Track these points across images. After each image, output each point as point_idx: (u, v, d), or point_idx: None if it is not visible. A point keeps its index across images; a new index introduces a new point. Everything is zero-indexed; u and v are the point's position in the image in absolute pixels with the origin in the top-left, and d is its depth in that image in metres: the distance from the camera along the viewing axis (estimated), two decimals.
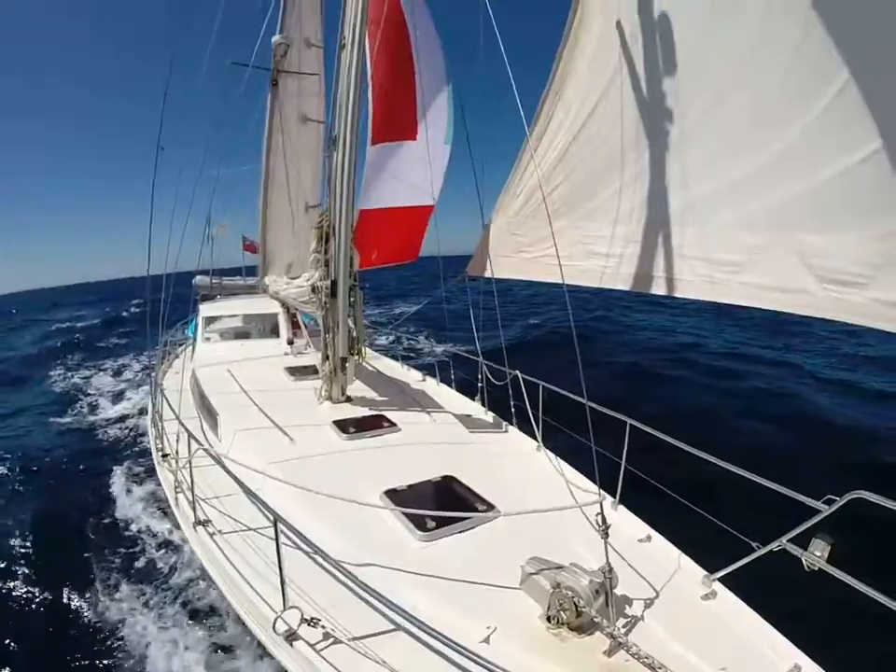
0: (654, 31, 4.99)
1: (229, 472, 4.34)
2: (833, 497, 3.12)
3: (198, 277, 14.32)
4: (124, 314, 41.13)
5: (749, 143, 4.35)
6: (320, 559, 3.60)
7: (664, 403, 12.58)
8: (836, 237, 3.85)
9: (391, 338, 11.19)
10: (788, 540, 3.30)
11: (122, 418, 14.45)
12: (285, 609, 3.40)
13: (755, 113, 4.29)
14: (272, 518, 3.52)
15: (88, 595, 6.88)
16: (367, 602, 3.45)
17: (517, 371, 6.66)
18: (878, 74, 3.53)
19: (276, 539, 3.46)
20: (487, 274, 7.29)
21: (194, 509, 4.87)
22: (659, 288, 5.28)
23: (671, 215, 5.07)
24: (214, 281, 14.64)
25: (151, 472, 8.74)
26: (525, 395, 6.29)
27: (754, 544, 3.57)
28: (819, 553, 3.06)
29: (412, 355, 10.65)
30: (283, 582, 3.45)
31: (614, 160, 5.53)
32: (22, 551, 7.92)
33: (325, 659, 3.14)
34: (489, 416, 7.35)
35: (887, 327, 3.61)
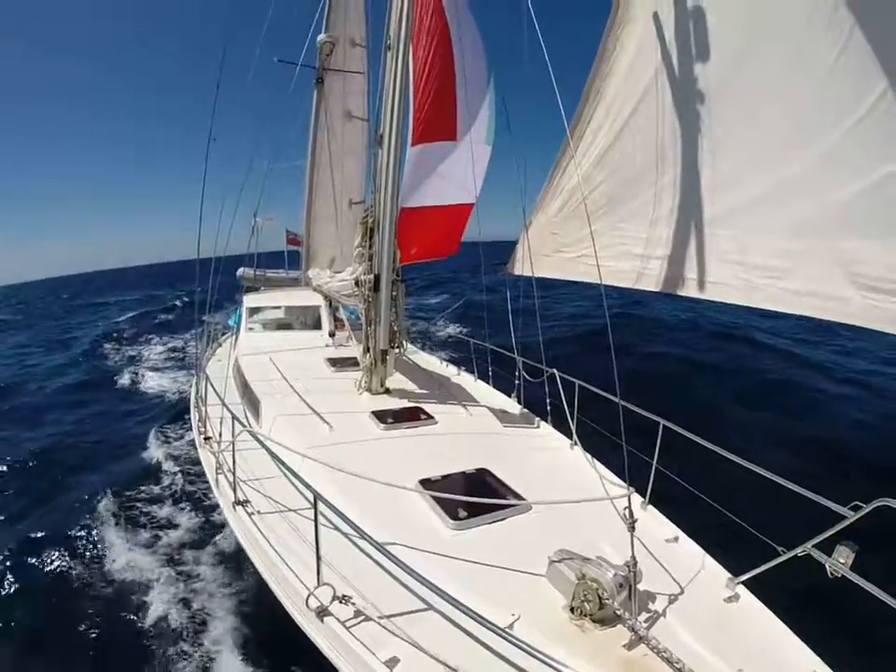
0: (695, 32, 5.00)
1: (270, 452, 4.52)
2: (860, 503, 3.12)
3: (241, 269, 14.59)
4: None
5: (792, 147, 4.35)
6: (356, 536, 3.75)
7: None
8: (877, 245, 3.85)
9: (430, 330, 11.26)
10: (813, 546, 3.34)
11: None
12: (319, 586, 3.53)
13: (798, 117, 4.29)
14: (311, 496, 3.64)
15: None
16: (399, 581, 3.58)
17: (554, 370, 6.75)
18: None
19: (315, 517, 3.58)
20: (527, 273, 7.38)
21: (235, 489, 5.02)
22: (697, 291, 5.28)
23: (711, 218, 5.07)
24: (257, 273, 14.89)
25: None
26: (561, 393, 6.36)
27: (779, 549, 3.59)
28: (843, 561, 3.09)
29: (450, 349, 10.75)
30: (318, 559, 3.57)
31: (654, 162, 5.56)
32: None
33: (354, 636, 3.24)
34: (524, 413, 7.43)
35: None
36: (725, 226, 4.96)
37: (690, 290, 5.35)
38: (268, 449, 4.59)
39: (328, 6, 11.68)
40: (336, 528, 3.97)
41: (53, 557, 7.53)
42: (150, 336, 27.27)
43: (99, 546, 7.77)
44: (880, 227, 3.83)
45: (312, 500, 3.64)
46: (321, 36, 11.67)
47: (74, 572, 7.26)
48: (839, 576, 3.13)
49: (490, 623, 2.83)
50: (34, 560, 7.52)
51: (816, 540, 3.33)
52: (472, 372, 9.12)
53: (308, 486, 3.77)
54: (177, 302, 40.30)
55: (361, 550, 3.90)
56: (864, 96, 3.81)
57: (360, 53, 12.70)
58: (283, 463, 4.31)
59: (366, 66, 12.73)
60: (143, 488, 9.40)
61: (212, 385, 6.85)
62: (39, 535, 8.12)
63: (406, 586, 3.54)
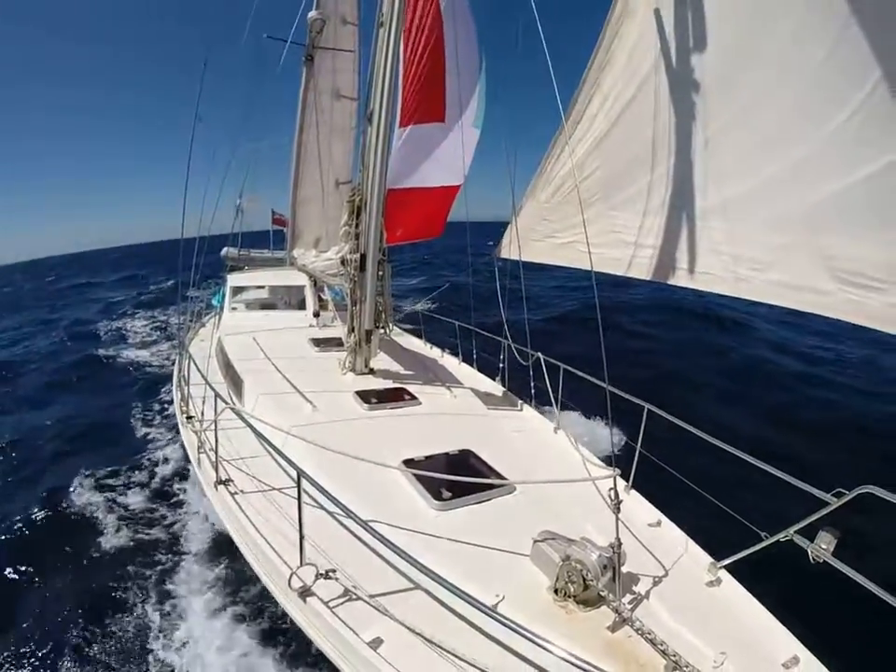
0: (694, 27, 5.04)
1: (253, 429, 4.46)
2: (843, 490, 3.15)
3: (226, 248, 14.48)
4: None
5: (782, 143, 4.41)
6: (340, 515, 3.73)
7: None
8: (858, 241, 3.93)
9: (415, 311, 11.25)
10: (795, 532, 3.35)
11: None
12: (301, 565, 3.51)
13: (789, 114, 4.35)
14: (295, 474, 3.61)
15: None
16: (384, 560, 3.56)
17: (539, 354, 6.74)
18: None
19: (298, 496, 3.54)
20: (515, 257, 7.38)
21: (217, 469, 4.99)
22: (686, 281, 5.34)
23: (702, 210, 5.13)
24: (242, 252, 14.79)
25: None
26: (546, 376, 6.36)
27: (762, 534, 3.61)
28: (825, 546, 3.11)
29: (434, 331, 10.73)
30: (301, 538, 3.55)
31: (648, 152, 5.59)
32: None
33: (337, 616, 3.23)
34: (508, 395, 7.44)
35: None
36: (716, 218, 5.03)
37: (679, 280, 5.41)
38: (251, 426, 4.54)
39: None
40: (320, 507, 3.92)
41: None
42: (136, 312, 28.27)
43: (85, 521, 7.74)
44: (860, 224, 3.92)
45: (296, 478, 3.60)
46: (312, 13, 11.52)
47: (57, 547, 7.26)
48: (821, 561, 3.14)
49: (477, 601, 2.81)
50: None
51: (798, 526, 3.34)
52: (457, 355, 9.12)
53: (292, 463, 3.75)
54: (161, 283, 40.36)
55: (345, 529, 3.87)
56: (848, 99, 3.88)
57: (352, 31, 12.53)
58: (266, 440, 4.27)
59: (357, 45, 12.60)
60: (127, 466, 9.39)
61: (195, 364, 6.79)
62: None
63: (391, 565, 3.52)
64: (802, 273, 4.30)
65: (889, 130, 3.68)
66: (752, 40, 4.58)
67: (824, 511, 3.23)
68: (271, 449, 4.16)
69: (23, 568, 7.02)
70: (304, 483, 3.57)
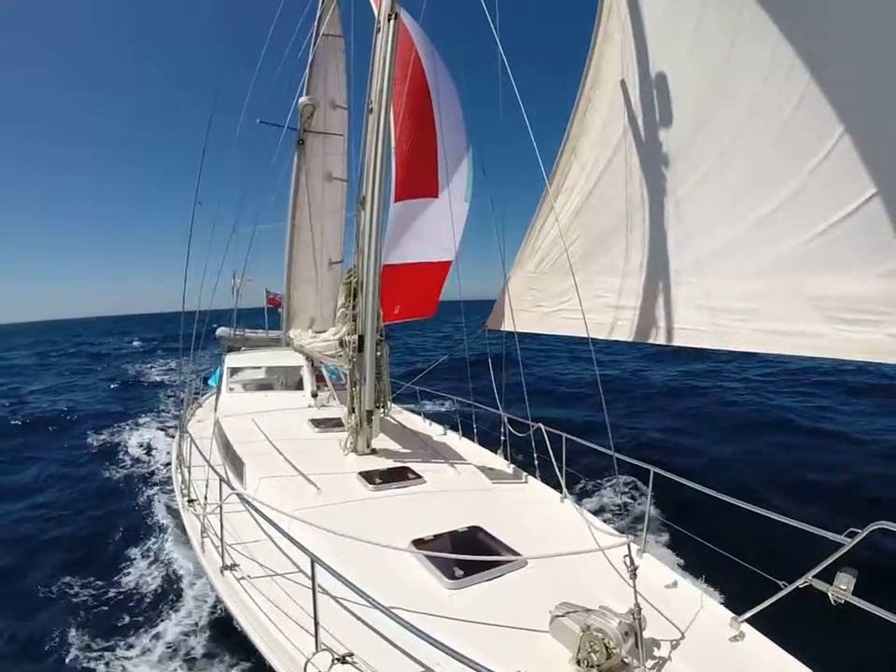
0: (658, 97, 5.32)
1: (263, 515, 4.46)
2: (856, 529, 3.17)
3: (220, 329, 14.54)
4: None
5: (752, 196, 4.59)
6: (351, 601, 3.66)
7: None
8: (846, 278, 4.04)
9: (412, 391, 11.28)
10: (813, 576, 3.35)
11: None
12: (317, 651, 3.45)
13: (757, 168, 4.55)
14: (305, 558, 3.58)
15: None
16: (397, 646, 3.45)
17: (540, 424, 6.74)
18: (874, 123, 3.82)
19: (313, 583, 3.52)
20: (506, 328, 7.46)
21: (222, 554, 4.94)
22: (671, 339, 5.45)
23: (680, 268, 5.29)
24: (237, 333, 14.85)
25: None
26: (549, 447, 6.34)
27: (780, 583, 3.60)
28: (844, 587, 3.11)
29: (433, 408, 10.76)
30: (317, 624, 3.50)
31: (625, 216, 5.80)
32: None
33: None
34: (512, 469, 7.41)
35: None
36: (694, 274, 5.18)
37: (664, 338, 5.52)
38: (260, 512, 4.54)
39: (309, 69, 11.90)
40: (329, 592, 3.84)
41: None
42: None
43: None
44: (846, 261, 4.03)
45: (306, 563, 3.58)
46: (302, 99, 11.88)
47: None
48: (842, 602, 3.14)
49: None
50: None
51: (816, 570, 3.35)
52: (457, 430, 9.10)
53: (305, 550, 3.72)
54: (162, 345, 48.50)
55: (358, 614, 3.76)
56: (817, 148, 4.08)
57: (341, 115, 12.97)
58: (276, 526, 4.25)
59: (346, 128, 13.00)
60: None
61: (196, 447, 6.74)
62: None
63: (406, 652, 3.44)
64: (790, 317, 4.39)
65: (863, 167, 3.84)
66: (716, 103, 4.82)
67: (839, 553, 3.23)
68: (280, 535, 4.11)
69: None
70: (317, 568, 3.54)
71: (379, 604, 3.29)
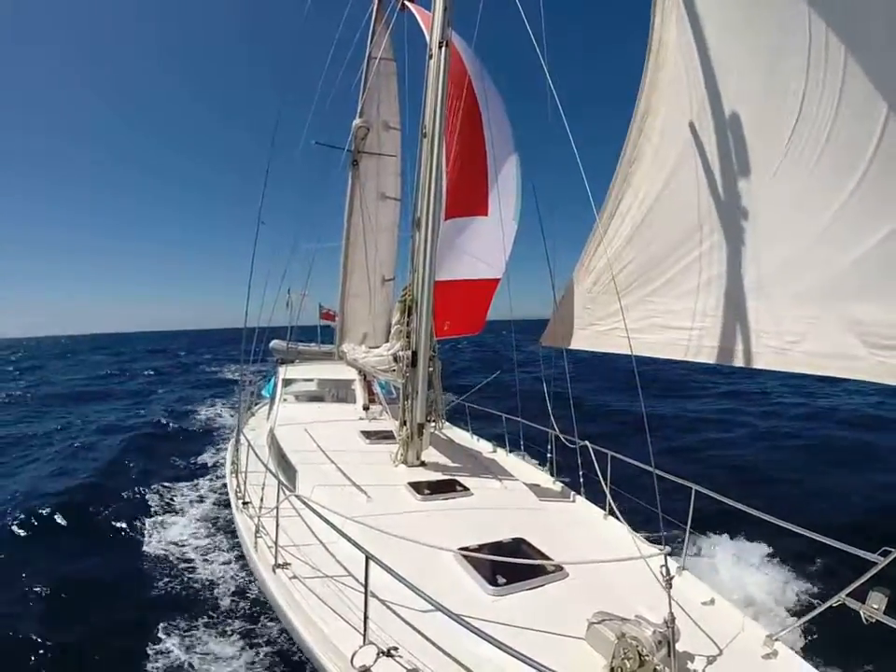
0: (715, 121, 5.38)
1: (319, 515, 4.67)
2: (889, 548, 3.23)
3: (274, 341, 14.90)
4: None
5: (801, 218, 4.68)
6: (396, 602, 3.83)
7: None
8: (878, 305, 4.12)
9: (461, 407, 11.45)
10: (847, 595, 3.40)
11: None
12: (364, 644, 3.60)
13: (806, 190, 4.62)
14: (357, 559, 3.77)
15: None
16: (439, 647, 3.56)
17: (586, 442, 6.83)
18: None
19: (366, 577, 3.69)
20: (561, 345, 7.60)
21: (276, 554, 5.13)
22: (724, 359, 5.50)
23: (735, 290, 5.35)
24: (291, 346, 15.17)
25: None
26: (595, 464, 6.43)
27: (814, 601, 3.67)
28: (876, 606, 3.17)
29: (481, 425, 10.90)
30: (366, 618, 3.65)
31: (680, 240, 5.87)
32: None
33: None
34: (558, 485, 7.53)
35: None
36: (749, 296, 5.24)
37: (719, 359, 5.57)
38: (316, 512, 4.75)
39: (363, 92, 12.22)
40: (377, 596, 3.94)
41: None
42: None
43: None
44: (881, 288, 4.10)
45: (360, 563, 3.76)
46: (356, 121, 12.20)
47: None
48: (874, 621, 3.19)
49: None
50: None
51: (849, 589, 3.40)
52: (504, 446, 9.22)
53: (359, 547, 3.90)
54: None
55: (404, 614, 3.90)
56: (857, 168, 4.15)
57: (394, 136, 13.24)
58: (332, 525, 4.45)
59: (399, 149, 13.28)
60: None
61: (255, 453, 6.96)
62: None
63: (447, 653, 3.55)
64: (833, 341, 4.45)
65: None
66: (770, 122, 4.89)
67: (872, 572, 3.30)
68: (331, 538, 4.28)
69: None
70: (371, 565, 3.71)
71: (429, 597, 3.43)
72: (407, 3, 10.42)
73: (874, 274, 4.12)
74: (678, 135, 5.78)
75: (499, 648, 3.03)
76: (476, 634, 3.14)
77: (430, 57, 7.46)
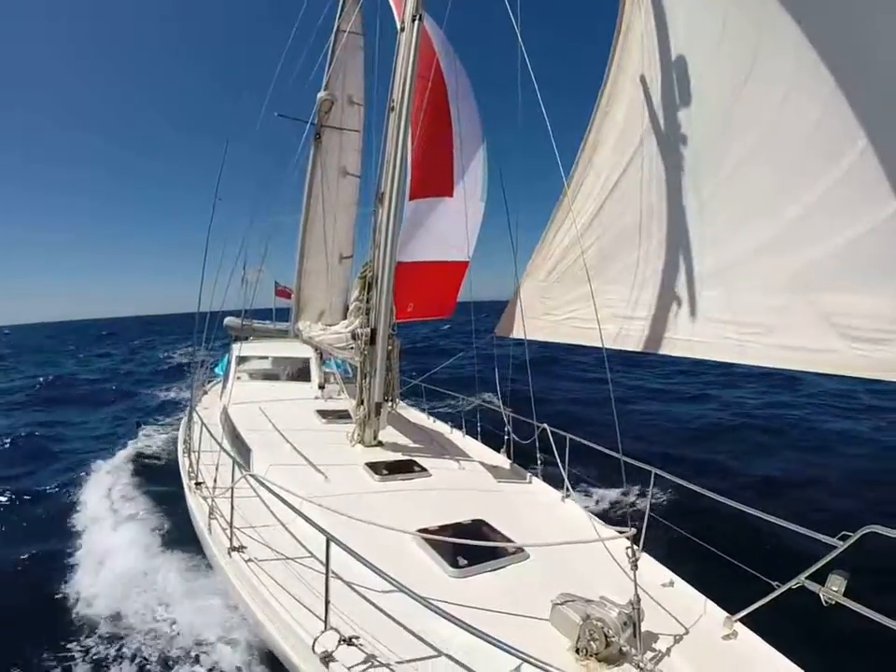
0: (680, 104, 5.37)
1: (277, 496, 4.55)
2: (848, 532, 3.29)
3: (228, 318, 14.64)
4: None
5: (772, 207, 4.64)
6: (358, 584, 3.76)
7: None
8: (860, 296, 4.10)
9: (418, 388, 11.38)
10: (806, 578, 3.44)
11: None
12: (325, 630, 3.51)
13: (777, 178, 4.60)
14: (317, 540, 3.68)
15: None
16: (404, 626, 3.52)
17: (545, 424, 6.83)
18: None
19: (327, 560, 3.59)
20: (515, 335, 7.59)
21: (231, 536, 5.01)
22: (682, 350, 5.52)
23: (695, 279, 5.34)
24: (244, 323, 14.92)
25: None
26: (553, 446, 6.44)
27: (774, 583, 3.70)
28: (835, 588, 3.20)
29: (438, 405, 10.87)
30: (327, 603, 3.55)
31: (639, 226, 5.88)
32: None
33: None
34: (515, 467, 7.51)
35: None
36: (710, 285, 5.24)
37: (674, 349, 5.59)
38: (275, 493, 4.62)
39: (329, 65, 11.97)
40: (339, 576, 3.89)
41: None
42: None
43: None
44: (863, 279, 4.09)
45: (318, 545, 3.70)
46: (321, 94, 11.94)
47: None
48: (833, 603, 3.23)
49: (521, 652, 2.85)
50: None
51: (808, 572, 3.43)
52: (461, 427, 9.18)
53: (320, 529, 3.80)
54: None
55: (365, 595, 3.82)
56: (840, 157, 4.11)
57: (357, 111, 12.99)
58: (291, 506, 4.34)
59: (362, 124, 13.04)
60: None
61: (209, 432, 6.83)
62: None
63: (412, 632, 3.49)
64: (805, 333, 4.45)
65: (878, 188, 3.90)
66: (740, 106, 4.85)
67: (832, 555, 3.34)
68: (289, 519, 4.17)
69: None
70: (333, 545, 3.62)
71: (392, 579, 3.36)
72: None
73: (860, 263, 4.10)
74: (641, 119, 5.77)
75: (464, 629, 2.97)
76: (441, 615, 3.09)
77: (402, 30, 7.33)
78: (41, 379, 30.13)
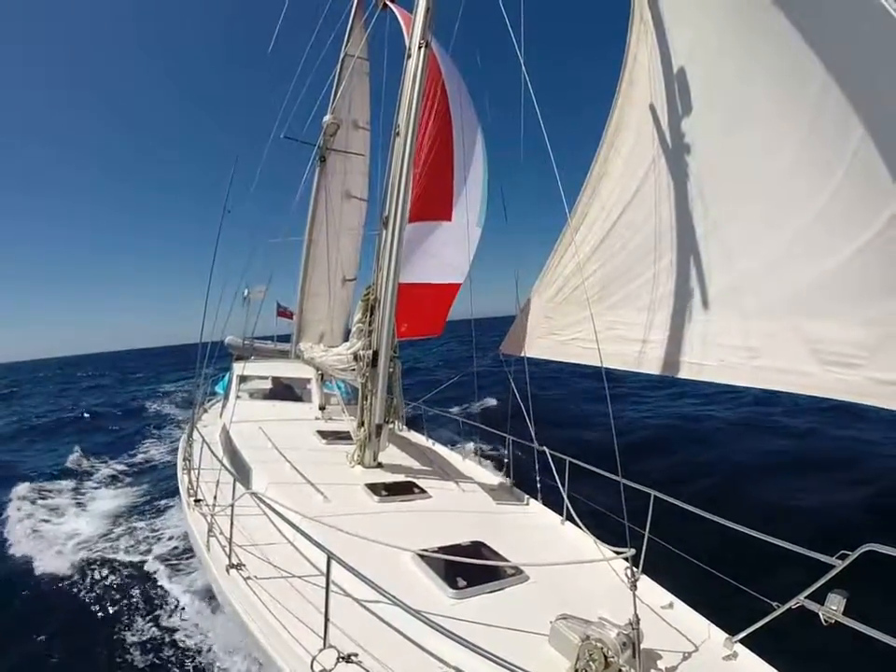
0: (681, 147, 5.51)
1: (278, 513, 4.54)
2: (847, 551, 3.30)
3: (230, 337, 14.66)
4: None
5: (759, 242, 4.83)
6: (355, 601, 3.73)
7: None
8: (834, 323, 4.28)
9: (419, 410, 11.39)
10: (805, 597, 3.46)
11: None
12: (324, 648, 3.48)
13: (766, 212, 4.76)
14: (315, 558, 3.70)
15: None
16: (406, 641, 3.47)
17: (545, 447, 6.84)
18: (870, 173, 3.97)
19: (327, 578, 3.58)
20: (521, 354, 7.64)
21: (230, 554, 5.00)
22: (682, 372, 5.62)
23: (692, 307, 5.51)
24: (245, 342, 14.95)
25: None
26: (553, 469, 6.43)
27: (773, 604, 3.71)
28: (835, 607, 3.21)
29: (439, 428, 10.89)
30: (327, 621, 3.53)
31: (642, 254, 6.02)
32: None
33: None
34: (515, 490, 7.49)
35: (881, 403, 3.96)
36: (708, 311, 5.39)
37: (678, 372, 5.70)
38: (275, 511, 4.61)
39: (335, 89, 12.11)
40: (339, 591, 3.85)
41: None
42: None
43: None
44: (838, 307, 4.26)
45: (320, 562, 3.67)
46: (327, 117, 12.03)
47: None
48: (833, 622, 3.23)
49: (521, 671, 2.82)
50: None
51: (808, 591, 3.45)
52: (461, 449, 9.17)
53: (321, 546, 3.80)
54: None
55: (364, 616, 3.78)
56: (824, 185, 4.26)
57: (363, 135, 13.15)
58: (291, 524, 4.34)
59: (367, 148, 13.20)
60: None
61: (210, 449, 6.84)
62: None
63: (416, 644, 3.47)
64: (787, 357, 4.62)
65: (856, 218, 4.05)
66: (729, 150, 5.07)
67: (831, 574, 3.35)
68: (289, 536, 4.17)
69: None
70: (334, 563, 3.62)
71: (393, 596, 3.35)
72: (388, 2, 10.37)
73: (836, 292, 4.26)
74: (645, 153, 5.90)
75: (466, 647, 2.98)
76: (440, 632, 3.09)
77: (409, 57, 7.45)
78: None
